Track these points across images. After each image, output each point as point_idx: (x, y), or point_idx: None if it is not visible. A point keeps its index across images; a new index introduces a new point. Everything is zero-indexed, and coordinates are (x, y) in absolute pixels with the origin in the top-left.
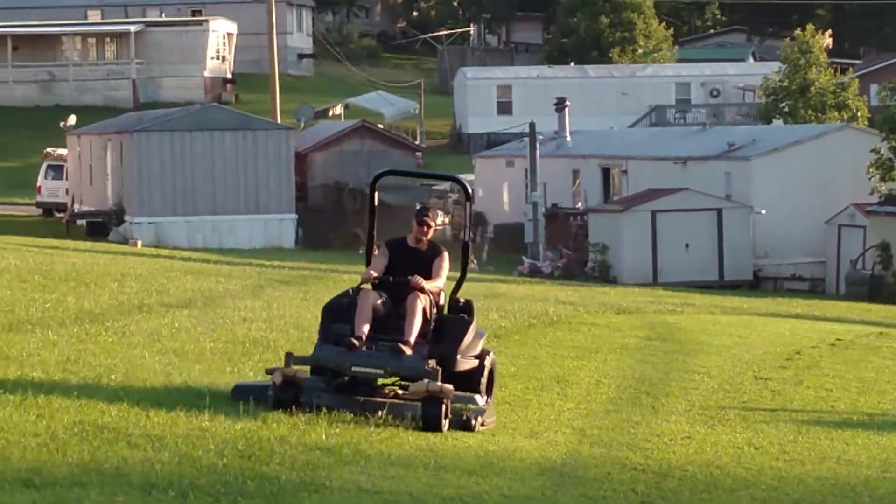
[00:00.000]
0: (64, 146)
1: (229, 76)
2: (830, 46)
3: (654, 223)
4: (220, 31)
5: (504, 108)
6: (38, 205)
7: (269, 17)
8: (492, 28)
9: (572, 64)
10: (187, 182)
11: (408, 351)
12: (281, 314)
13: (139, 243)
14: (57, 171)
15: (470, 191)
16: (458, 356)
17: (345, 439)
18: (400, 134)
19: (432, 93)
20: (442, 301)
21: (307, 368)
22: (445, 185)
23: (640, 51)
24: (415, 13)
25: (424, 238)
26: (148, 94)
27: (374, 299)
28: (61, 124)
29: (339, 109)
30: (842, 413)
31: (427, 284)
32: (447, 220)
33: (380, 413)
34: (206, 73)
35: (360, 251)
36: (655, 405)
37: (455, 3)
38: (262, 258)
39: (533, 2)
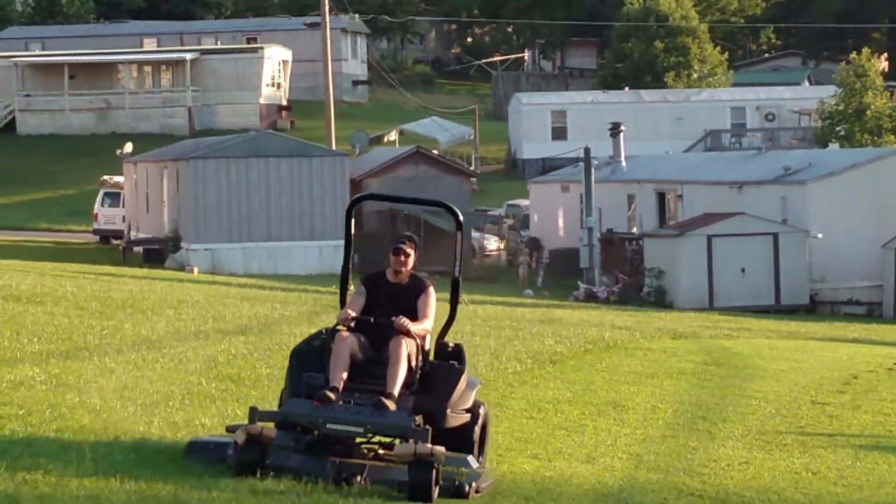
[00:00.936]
0: (120, 174)
1: (284, 103)
2: (886, 70)
3: (709, 248)
4: (276, 59)
5: (559, 133)
6: (95, 232)
7: (324, 44)
8: (546, 53)
9: (627, 89)
10: (243, 209)
11: (391, 406)
12: None
13: (195, 270)
14: (113, 198)
15: (461, 219)
16: (449, 410)
17: None
18: (454, 160)
19: (487, 118)
20: (428, 345)
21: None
22: (501, 211)
23: (695, 75)
24: (469, 39)
25: (404, 270)
26: (203, 122)
27: (352, 344)
28: (118, 152)
29: (393, 136)
30: None
31: (413, 327)
32: (501, 246)
33: (359, 478)
34: (262, 100)
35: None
36: (712, 430)
37: (509, 29)
38: (318, 284)
39: (587, 27)
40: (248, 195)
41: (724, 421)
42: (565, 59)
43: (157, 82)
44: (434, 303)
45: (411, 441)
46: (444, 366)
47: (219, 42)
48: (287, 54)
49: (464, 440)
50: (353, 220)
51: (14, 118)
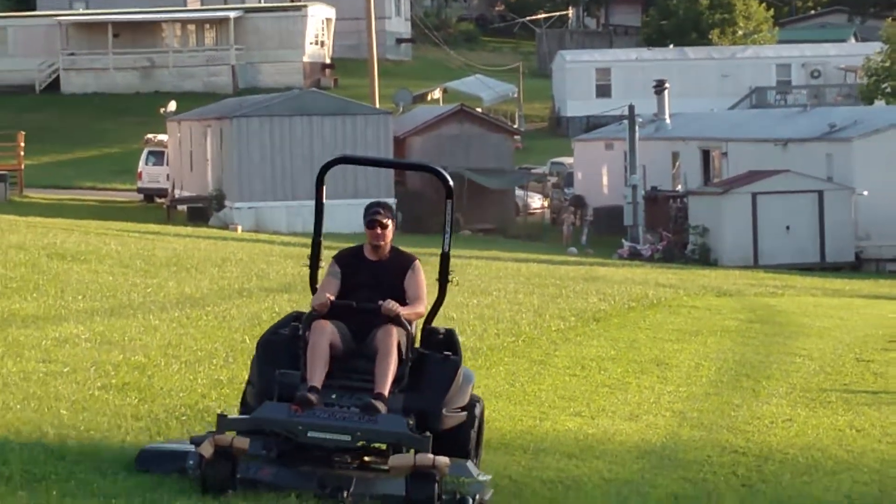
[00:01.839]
0: (164, 132)
1: (328, 61)
2: None
3: (754, 205)
4: (319, 17)
5: (603, 90)
6: (140, 191)
7: (368, 2)
8: (590, 11)
9: (671, 46)
10: (286, 167)
11: (383, 409)
12: None
13: (239, 228)
14: (158, 157)
15: (451, 185)
16: (444, 410)
17: None
18: (498, 118)
19: (531, 76)
20: (413, 330)
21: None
22: (544, 169)
23: (740, 32)
24: None
25: (383, 244)
26: (247, 80)
27: (332, 334)
28: (161, 111)
29: (437, 94)
30: None
31: (403, 311)
32: (545, 204)
33: (345, 494)
34: (305, 59)
35: (465, 232)
36: (756, 388)
37: None
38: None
39: None
40: (292, 153)
41: (768, 378)
42: (610, 16)
43: (201, 41)
44: (424, 281)
45: (409, 451)
46: (436, 357)
47: (262, 0)
48: (331, 12)
49: (458, 443)
50: (324, 188)
51: (58, 77)
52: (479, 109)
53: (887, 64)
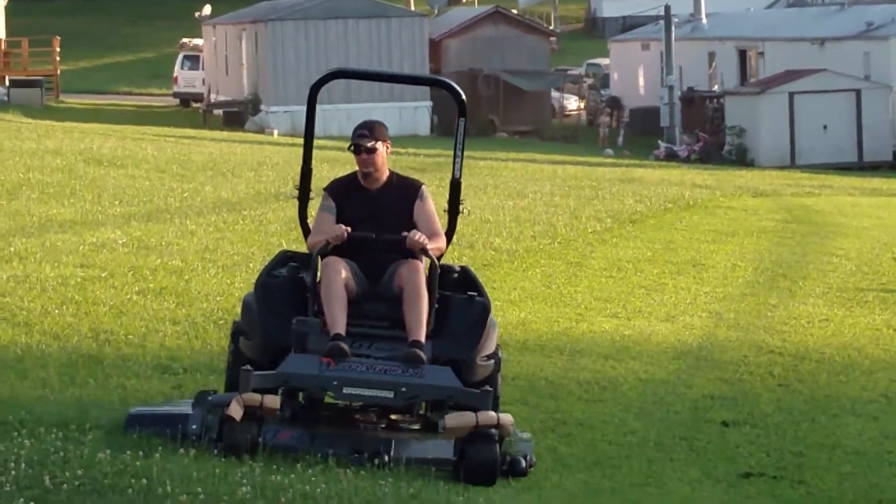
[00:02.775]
0: (199, 36)
1: None
2: None
3: (791, 105)
4: None
5: None
6: (175, 95)
7: None
8: None
9: None
10: (322, 70)
11: (426, 358)
12: None
13: (275, 132)
14: (193, 61)
15: (464, 99)
16: (477, 359)
17: None
18: (534, 19)
19: None
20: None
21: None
22: (580, 70)
23: None
24: None
25: (373, 171)
26: None
27: (346, 274)
28: (196, 15)
29: None
30: None
31: (430, 244)
32: (582, 106)
33: (386, 459)
34: None
35: (501, 134)
36: (792, 288)
37: None
38: (397, 146)
39: None
40: (327, 57)
41: (805, 278)
42: None
43: None
44: (433, 206)
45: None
46: (459, 298)
47: None
48: None
49: None
50: (316, 104)
51: None
52: (514, 11)
53: None
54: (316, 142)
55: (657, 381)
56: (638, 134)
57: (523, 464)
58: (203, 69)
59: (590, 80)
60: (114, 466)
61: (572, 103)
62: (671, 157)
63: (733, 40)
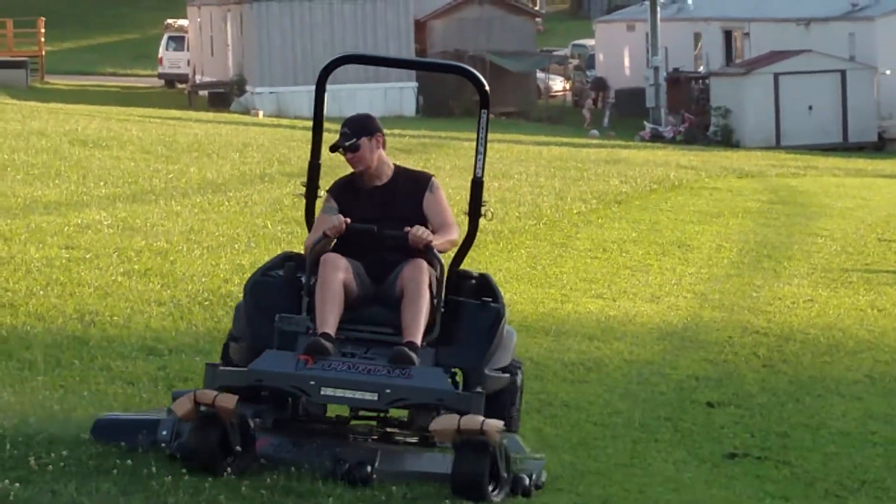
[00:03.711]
0: (184, 17)
1: None
2: None
3: (776, 86)
4: None
5: None
6: (160, 76)
7: None
8: None
9: None
10: (307, 51)
11: (416, 360)
12: None
13: (260, 113)
14: (178, 42)
15: (487, 89)
16: (485, 369)
17: None
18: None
19: None
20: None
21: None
22: (566, 51)
23: None
24: None
25: (364, 168)
26: None
27: (345, 272)
28: None
29: None
30: None
31: (436, 240)
32: (567, 87)
33: (369, 470)
34: None
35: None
36: (777, 269)
37: None
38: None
39: None
40: (313, 37)
41: (790, 259)
42: None
43: None
44: (446, 201)
45: (453, 414)
46: (472, 304)
47: None
48: None
49: (498, 411)
50: (325, 92)
51: None
52: None
53: None
54: (302, 123)
55: (642, 362)
56: (623, 115)
57: (527, 482)
58: (188, 50)
59: (575, 61)
60: (99, 448)
61: (558, 84)
62: (656, 137)
63: (719, 21)
